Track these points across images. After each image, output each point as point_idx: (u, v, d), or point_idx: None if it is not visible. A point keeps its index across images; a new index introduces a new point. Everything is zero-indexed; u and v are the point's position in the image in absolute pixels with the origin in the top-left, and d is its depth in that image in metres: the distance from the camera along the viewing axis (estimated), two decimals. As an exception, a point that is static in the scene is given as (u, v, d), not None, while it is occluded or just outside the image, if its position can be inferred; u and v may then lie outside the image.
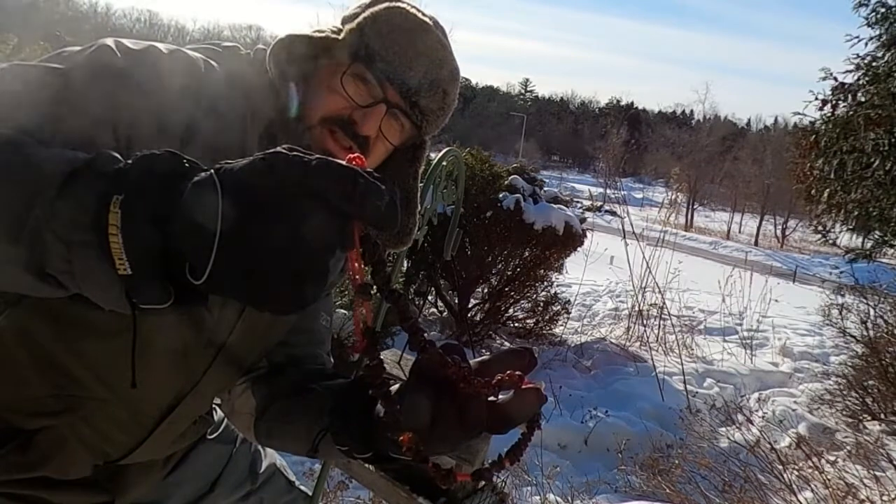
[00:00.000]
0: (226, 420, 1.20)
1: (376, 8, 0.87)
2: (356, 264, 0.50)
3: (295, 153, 0.46)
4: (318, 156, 0.46)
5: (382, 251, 0.50)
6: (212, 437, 1.16)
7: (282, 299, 0.46)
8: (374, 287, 0.53)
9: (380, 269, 0.50)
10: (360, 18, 0.87)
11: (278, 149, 0.47)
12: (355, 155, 0.48)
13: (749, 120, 71.22)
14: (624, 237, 7.50)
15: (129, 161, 0.50)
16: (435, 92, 0.89)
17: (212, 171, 0.47)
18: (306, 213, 0.45)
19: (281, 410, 0.93)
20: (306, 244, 0.45)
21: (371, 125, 0.86)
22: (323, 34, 0.87)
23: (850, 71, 6.00)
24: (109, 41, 0.75)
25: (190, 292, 0.49)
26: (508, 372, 0.56)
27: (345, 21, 0.90)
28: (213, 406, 1.15)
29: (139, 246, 0.47)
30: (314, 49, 0.87)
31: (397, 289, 0.52)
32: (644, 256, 7.80)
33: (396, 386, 0.65)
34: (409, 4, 0.89)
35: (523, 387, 0.56)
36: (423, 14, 0.89)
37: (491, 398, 0.57)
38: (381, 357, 0.57)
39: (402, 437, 0.56)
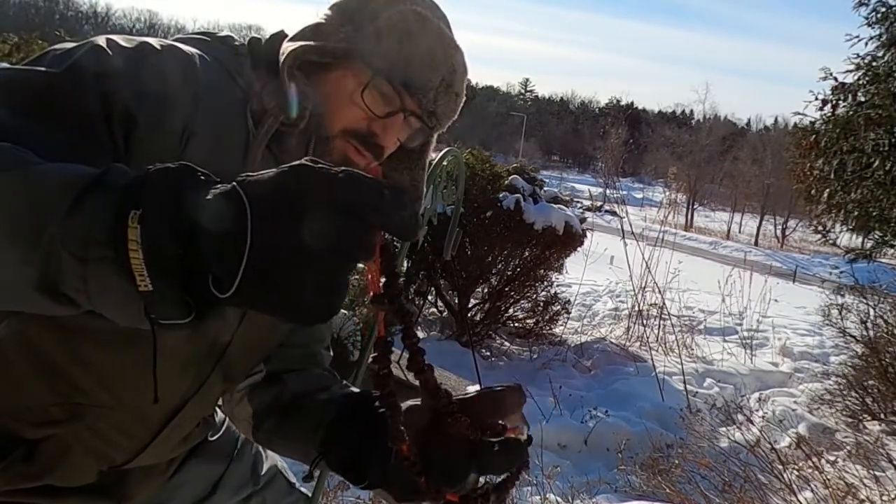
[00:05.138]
0: (227, 422, 1.20)
1: (391, 12, 0.84)
2: (374, 275, 0.50)
3: (321, 166, 0.47)
4: (343, 168, 0.47)
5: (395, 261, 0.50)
6: (213, 439, 1.16)
7: (313, 310, 0.47)
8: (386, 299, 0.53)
9: (393, 280, 0.51)
10: (376, 25, 0.84)
11: (303, 161, 0.48)
12: (374, 165, 0.50)
13: (749, 120, 71.50)
14: (623, 237, 7.50)
15: (142, 175, 0.49)
16: (449, 96, 0.89)
17: (234, 183, 0.47)
18: (335, 225, 0.45)
19: (278, 426, 0.94)
20: (334, 255, 0.46)
21: (391, 137, 0.85)
22: (340, 44, 0.84)
23: (850, 71, 5.98)
24: (101, 40, 0.73)
25: (209, 305, 0.49)
26: (491, 422, 0.57)
27: (347, 14, 0.86)
28: (215, 408, 1.15)
29: (161, 261, 0.47)
30: (330, 57, 0.85)
31: (407, 305, 0.53)
32: (644, 256, 7.79)
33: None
34: (421, 6, 0.87)
35: (509, 435, 0.57)
36: (433, 13, 0.88)
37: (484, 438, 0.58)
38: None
39: (402, 447, 0.56)
